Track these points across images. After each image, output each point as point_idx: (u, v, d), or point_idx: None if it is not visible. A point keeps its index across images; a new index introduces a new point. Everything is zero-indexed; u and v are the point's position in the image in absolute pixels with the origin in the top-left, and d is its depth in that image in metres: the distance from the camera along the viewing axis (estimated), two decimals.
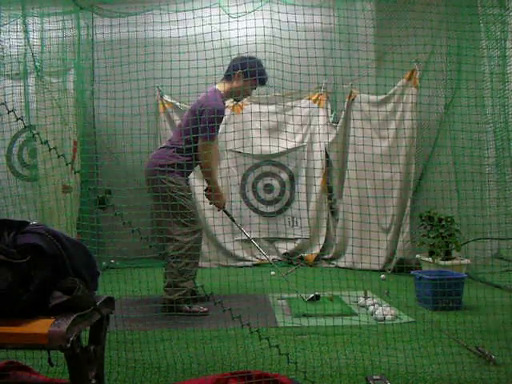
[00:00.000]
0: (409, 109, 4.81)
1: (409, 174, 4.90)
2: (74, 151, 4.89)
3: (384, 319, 3.18)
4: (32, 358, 2.27)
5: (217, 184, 3.59)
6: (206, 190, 3.68)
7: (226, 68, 3.50)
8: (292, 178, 5.58)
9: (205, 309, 3.36)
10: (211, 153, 3.41)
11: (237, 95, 3.56)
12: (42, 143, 2.22)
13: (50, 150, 2.22)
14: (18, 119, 2.20)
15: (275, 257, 5.44)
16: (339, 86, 5.17)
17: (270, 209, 5.59)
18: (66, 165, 2.37)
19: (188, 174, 3.55)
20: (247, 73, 3.41)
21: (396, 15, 4.32)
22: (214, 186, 3.54)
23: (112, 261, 4.94)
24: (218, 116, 3.27)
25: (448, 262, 4.15)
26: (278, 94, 5.17)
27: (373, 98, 5.00)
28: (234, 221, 3.88)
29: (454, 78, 4.29)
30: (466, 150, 3.76)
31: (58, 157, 2.33)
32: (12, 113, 2.20)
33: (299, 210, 5.43)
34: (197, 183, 5.33)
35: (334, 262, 5.24)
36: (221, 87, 3.53)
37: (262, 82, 3.55)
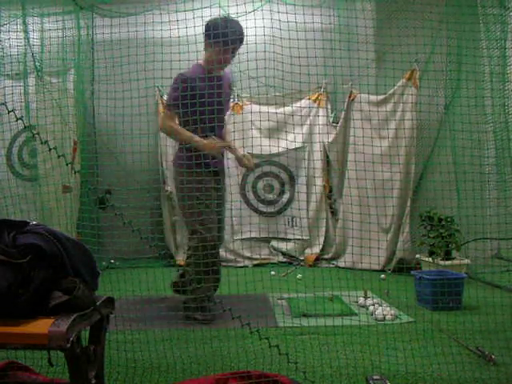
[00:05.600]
0: (409, 109, 4.81)
1: (409, 174, 4.90)
2: (73, 151, 4.89)
3: (384, 319, 3.18)
4: (32, 358, 2.27)
5: (191, 138, 3.23)
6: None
7: None
8: (292, 178, 5.57)
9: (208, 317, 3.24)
10: (169, 124, 3.31)
11: (213, 65, 3.30)
12: (41, 143, 2.22)
13: (50, 150, 2.22)
14: (17, 119, 2.20)
15: (274, 257, 5.45)
16: (339, 86, 5.18)
17: (270, 209, 5.59)
18: (66, 165, 2.36)
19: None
20: (212, 38, 3.15)
21: (396, 15, 4.32)
22: (190, 141, 3.22)
23: (112, 261, 4.94)
24: (179, 84, 3.15)
25: (448, 262, 4.15)
26: (278, 94, 5.17)
27: (373, 97, 5.00)
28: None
29: (454, 78, 4.29)
30: (465, 149, 3.76)
31: (58, 157, 2.32)
32: (12, 113, 2.20)
33: (299, 210, 5.43)
34: None
35: (334, 262, 5.24)
36: (202, 59, 3.38)
37: (229, 43, 3.16)
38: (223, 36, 3.07)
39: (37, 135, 2.32)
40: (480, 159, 3.95)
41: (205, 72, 3.29)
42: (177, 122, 3.32)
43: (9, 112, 2.21)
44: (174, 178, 3.52)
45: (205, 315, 3.20)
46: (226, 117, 3.61)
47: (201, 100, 3.03)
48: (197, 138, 3.22)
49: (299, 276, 4.54)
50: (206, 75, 3.26)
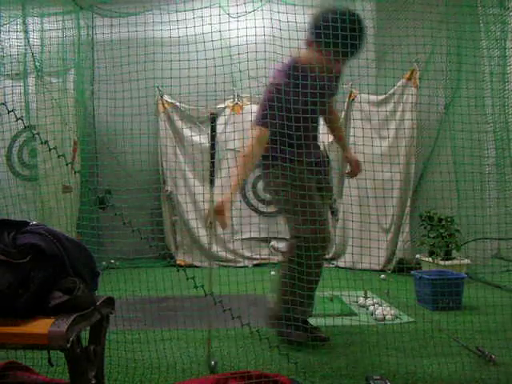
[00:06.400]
0: (409, 109, 4.81)
1: (409, 174, 4.90)
2: (73, 151, 4.89)
3: (384, 319, 3.18)
4: (32, 358, 2.27)
5: (235, 181, 2.63)
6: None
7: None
8: None
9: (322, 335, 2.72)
10: (256, 141, 2.60)
11: (315, 69, 2.57)
12: (41, 143, 2.22)
13: (49, 150, 2.22)
14: (17, 119, 2.20)
15: (274, 257, 5.44)
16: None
17: (270, 209, 5.59)
18: (66, 165, 2.36)
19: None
20: (323, 39, 2.39)
21: (396, 15, 4.32)
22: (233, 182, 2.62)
23: (112, 261, 4.94)
24: (273, 94, 2.56)
25: (448, 262, 4.15)
26: None
27: (373, 97, 5.01)
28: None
29: (454, 78, 4.29)
30: (465, 149, 3.75)
31: (58, 157, 2.32)
32: (12, 113, 2.20)
33: None
34: (196, 183, 5.33)
35: (334, 262, 5.24)
36: (303, 53, 2.67)
37: (347, 54, 2.45)
38: (338, 41, 2.35)
39: (37, 135, 2.32)
40: (480, 159, 3.94)
41: (301, 73, 2.58)
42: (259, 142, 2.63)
43: (9, 112, 2.21)
44: (265, 183, 2.95)
45: (299, 334, 2.65)
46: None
47: (288, 106, 2.53)
48: (236, 182, 2.62)
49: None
50: (298, 80, 2.57)
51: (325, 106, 2.81)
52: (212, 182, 2.70)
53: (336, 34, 2.36)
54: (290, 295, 2.54)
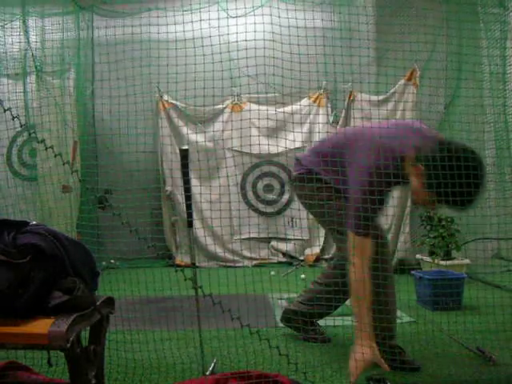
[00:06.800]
0: (409, 108, 4.81)
1: None
2: (73, 151, 4.89)
3: None
4: (32, 358, 2.27)
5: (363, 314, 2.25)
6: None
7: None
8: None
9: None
10: (364, 254, 2.22)
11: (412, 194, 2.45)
12: (38, 142, 2.21)
13: (46, 149, 2.20)
14: (13, 118, 2.19)
15: (274, 257, 5.45)
16: (339, 86, 5.18)
17: (270, 209, 5.59)
18: (63, 164, 2.35)
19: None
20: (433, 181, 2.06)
21: (396, 15, 4.31)
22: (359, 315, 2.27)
23: (112, 261, 4.94)
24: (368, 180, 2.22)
25: (448, 262, 4.15)
26: (277, 93, 5.17)
27: (373, 97, 5.01)
28: None
29: (454, 78, 4.29)
30: None
31: (55, 156, 2.31)
32: (8, 112, 2.19)
33: (299, 210, 5.42)
34: (197, 183, 5.32)
35: None
36: (410, 168, 2.23)
37: (454, 205, 2.17)
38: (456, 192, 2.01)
39: (33, 134, 2.31)
40: None
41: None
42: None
43: (5, 111, 2.20)
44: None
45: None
46: None
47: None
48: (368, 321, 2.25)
49: (303, 276, 4.54)
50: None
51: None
52: (191, 225, 2.70)
53: (444, 175, 2.03)
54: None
